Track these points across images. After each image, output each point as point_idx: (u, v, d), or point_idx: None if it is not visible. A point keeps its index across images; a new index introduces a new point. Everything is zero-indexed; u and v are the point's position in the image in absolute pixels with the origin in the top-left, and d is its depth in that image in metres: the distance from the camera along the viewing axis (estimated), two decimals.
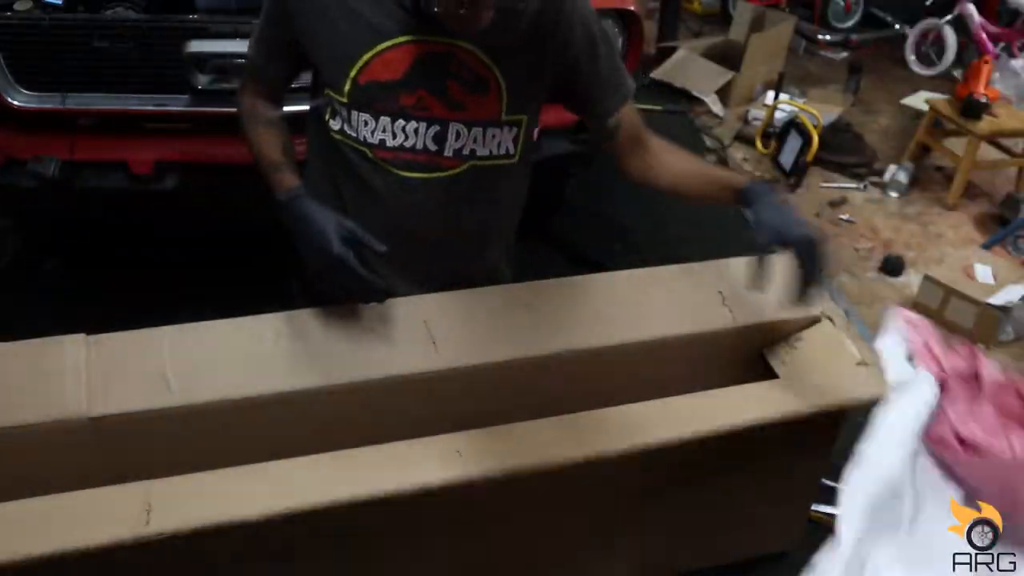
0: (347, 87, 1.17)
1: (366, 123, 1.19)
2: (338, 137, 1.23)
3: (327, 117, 1.23)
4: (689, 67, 4.76)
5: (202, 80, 2.02)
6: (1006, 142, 3.79)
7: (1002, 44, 5.01)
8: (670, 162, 1.34)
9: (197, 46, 1.98)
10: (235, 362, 1.15)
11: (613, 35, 2.29)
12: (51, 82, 2.04)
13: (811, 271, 1.11)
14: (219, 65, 2.00)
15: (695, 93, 4.61)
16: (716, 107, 4.57)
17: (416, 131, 1.20)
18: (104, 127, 2.15)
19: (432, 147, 1.21)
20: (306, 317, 1.22)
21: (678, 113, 4.51)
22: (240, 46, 1.99)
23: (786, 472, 1.38)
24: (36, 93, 2.06)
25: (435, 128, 1.20)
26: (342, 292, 1.16)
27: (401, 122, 1.19)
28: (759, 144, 4.16)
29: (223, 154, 2.11)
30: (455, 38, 1.15)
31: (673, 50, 4.90)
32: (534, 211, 3.54)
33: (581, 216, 3.27)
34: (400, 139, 1.20)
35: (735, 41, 4.84)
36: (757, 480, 1.35)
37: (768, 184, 1.30)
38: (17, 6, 2.01)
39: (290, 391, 1.13)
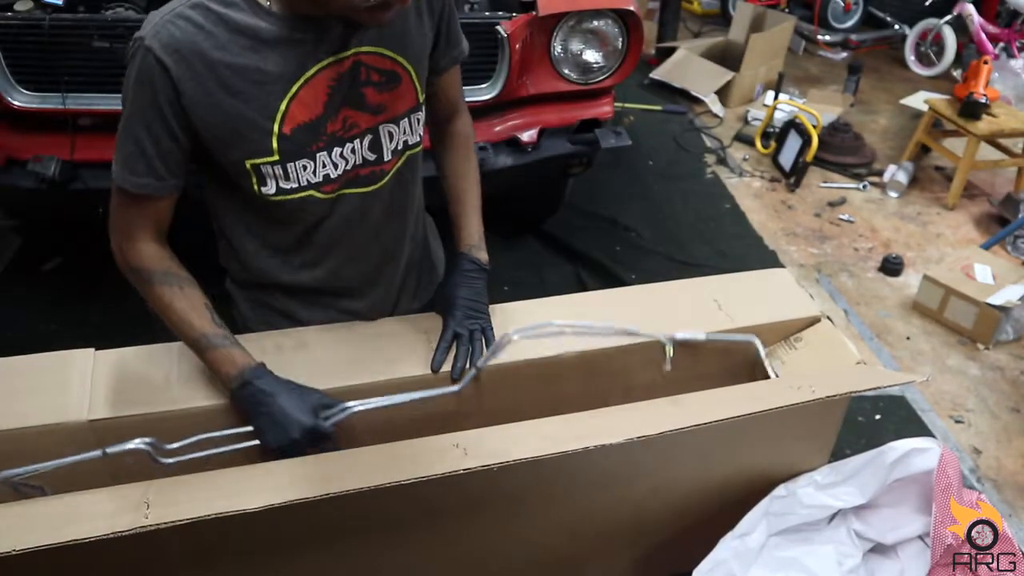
0: (275, 144, 1.10)
1: (304, 167, 1.14)
2: (277, 199, 1.15)
3: (255, 187, 1.13)
4: (689, 67, 4.76)
5: None
6: (1005, 142, 3.79)
7: (1001, 44, 5.02)
8: (449, 162, 1.39)
9: None
10: None
11: (613, 35, 2.29)
12: (51, 82, 2.04)
13: (461, 354, 1.23)
14: None
15: (695, 93, 4.61)
16: (716, 107, 4.57)
17: (353, 151, 1.17)
18: (104, 127, 2.15)
19: (371, 156, 1.19)
20: (306, 331, 1.24)
21: (678, 113, 4.51)
22: None
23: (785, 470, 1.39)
24: (36, 93, 2.07)
25: (368, 138, 1.18)
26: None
27: (337, 149, 1.15)
28: (759, 144, 4.17)
29: None
30: (348, 48, 1.10)
31: (673, 50, 4.90)
32: (534, 211, 3.55)
33: (581, 216, 3.27)
34: (342, 165, 1.17)
35: (735, 41, 4.84)
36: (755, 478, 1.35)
37: (475, 263, 1.32)
38: (17, 6, 2.01)
39: None
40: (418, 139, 1.25)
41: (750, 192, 3.76)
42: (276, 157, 1.11)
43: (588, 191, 3.35)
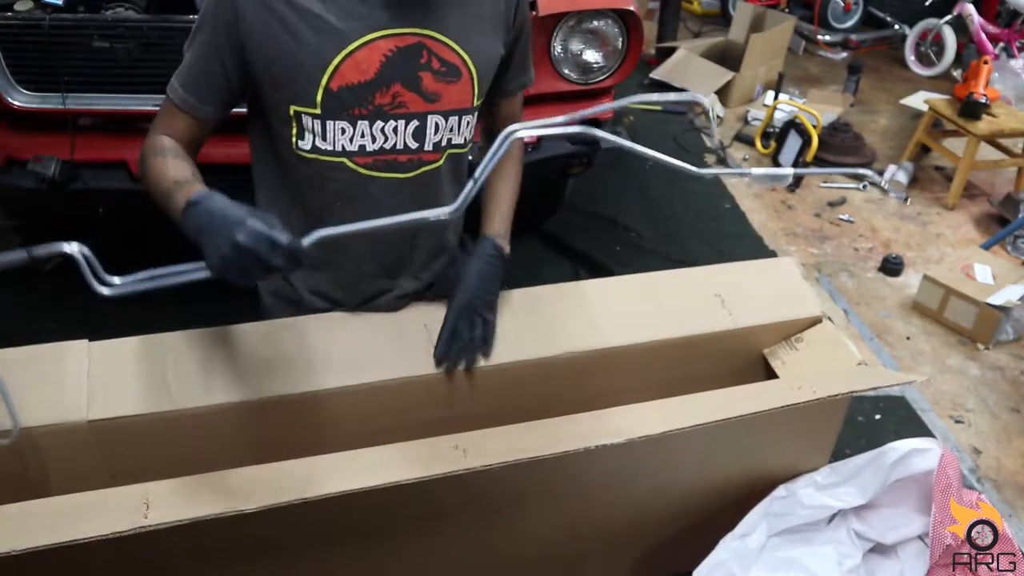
0: (319, 97, 1.11)
1: (343, 131, 1.14)
2: (310, 156, 1.17)
3: (293, 139, 1.16)
4: (689, 67, 4.76)
5: None
6: (1005, 142, 3.79)
7: (1001, 44, 5.02)
8: (496, 172, 1.31)
9: None
10: (237, 365, 1.15)
11: (613, 35, 2.29)
12: (51, 82, 2.04)
13: (459, 333, 1.21)
14: None
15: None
16: (716, 107, 4.57)
17: (395, 130, 1.17)
18: (104, 127, 2.15)
19: (412, 144, 1.19)
20: (305, 322, 1.23)
21: (678, 113, 4.51)
22: None
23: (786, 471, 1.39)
24: (36, 93, 2.07)
25: (414, 123, 1.17)
26: (262, 276, 1.00)
27: (379, 123, 1.15)
28: (759, 144, 4.17)
29: (223, 154, 2.11)
30: (422, 27, 1.12)
31: (673, 50, 4.90)
32: (534, 211, 3.56)
33: (581, 216, 3.27)
34: (380, 141, 1.17)
35: (735, 41, 4.84)
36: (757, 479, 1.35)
37: (498, 250, 1.30)
38: (17, 6, 2.01)
39: (289, 394, 1.13)
40: (462, 142, 1.24)
41: (750, 192, 3.76)
42: (317, 111, 1.12)
43: (588, 191, 3.35)
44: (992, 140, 3.68)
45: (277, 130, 1.18)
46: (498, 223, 1.34)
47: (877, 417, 2.35)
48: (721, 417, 1.14)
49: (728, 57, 4.76)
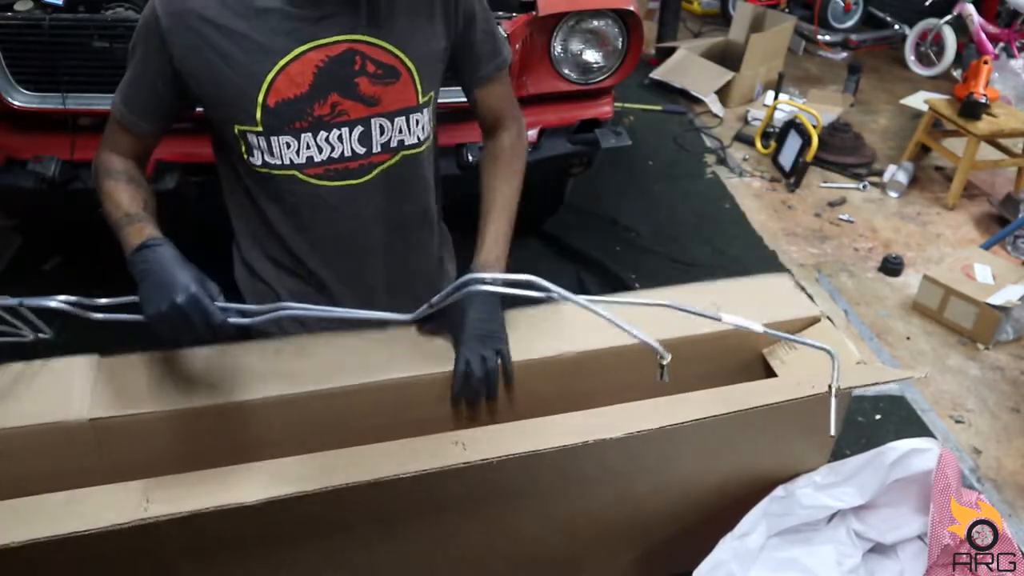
0: (259, 114, 1.12)
1: (288, 145, 1.15)
2: (262, 171, 1.17)
3: (245, 157, 1.17)
4: (689, 67, 4.76)
5: None
6: (1005, 142, 3.79)
7: (1001, 44, 5.02)
8: (488, 176, 1.34)
9: None
10: (240, 371, 1.15)
11: (613, 35, 2.29)
12: (51, 82, 2.04)
13: (472, 370, 1.18)
14: None
15: (695, 93, 4.61)
16: (716, 107, 4.57)
17: (340, 138, 1.16)
18: (104, 127, 2.15)
19: (360, 149, 1.19)
20: (308, 336, 1.24)
21: (678, 113, 4.51)
22: None
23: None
24: (36, 93, 2.06)
25: (358, 129, 1.17)
26: (187, 339, 1.05)
27: (323, 133, 1.15)
28: (759, 144, 4.17)
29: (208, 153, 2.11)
30: (351, 33, 1.12)
31: (673, 50, 4.90)
32: (534, 211, 3.56)
33: (581, 216, 3.27)
34: (327, 151, 1.17)
35: (735, 41, 4.84)
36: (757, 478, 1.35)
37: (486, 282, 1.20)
38: (17, 6, 2.01)
39: (292, 394, 1.14)
40: (417, 141, 1.23)
41: (750, 192, 3.76)
42: (260, 128, 1.13)
43: (588, 191, 3.35)
44: (992, 140, 3.68)
45: (228, 147, 1.19)
46: (488, 249, 1.29)
47: (877, 417, 2.35)
48: (719, 412, 1.14)
49: (728, 57, 4.76)
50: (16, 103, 2.05)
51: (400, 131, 1.20)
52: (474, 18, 1.23)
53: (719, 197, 3.68)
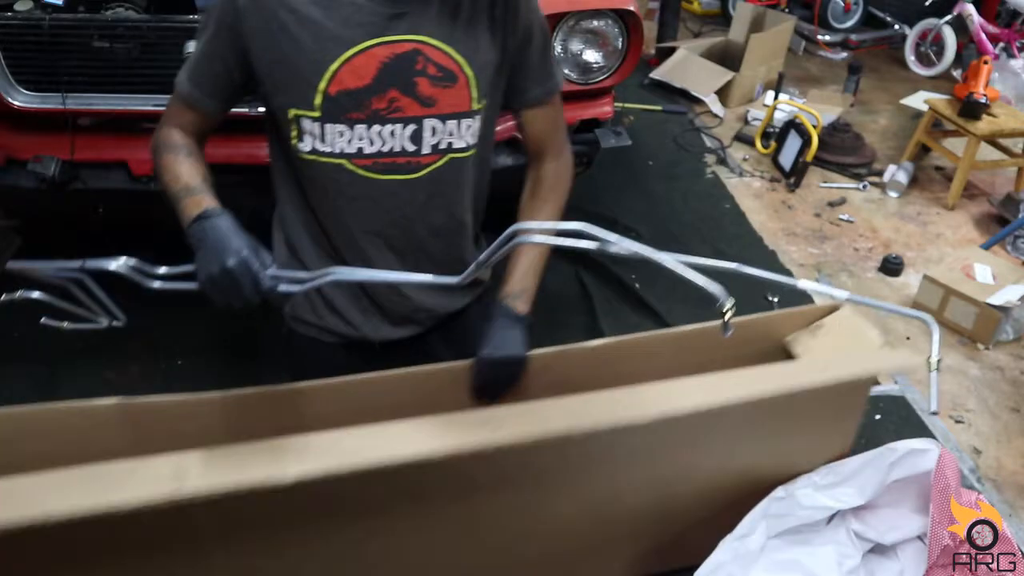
0: (318, 101, 1.14)
1: (341, 134, 1.17)
2: (310, 158, 1.20)
3: (295, 142, 1.19)
4: (689, 67, 4.76)
5: None
6: (1005, 142, 3.79)
7: (1001, 44, 5.02)
8: (523, 205, 1.37)
9: None
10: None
11: (613, 35, 2.29)
12: (51, 82, 2.04)
13: (490, 388, 1.24)
14: None
15: (695, 93, 4.61)
16: (716, 107, 4.57)
17: (392, 133, 1.19)
18: (104, 127, 2.15)
19: (410, 147, 1.21)
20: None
21: (678, 113, 4.51)
22: None
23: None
24: (36, 93, 2.06)
25: (411, 127, 1.19)
26: (236, 304, 1.06)
27: (377, 127, 1.17)
28: (759, 144, 4.17)
29: (223, 154, 2.11)
30: (418, 34, 1.15)
31: (673, 50, 4.90)
32: None
33: (581, 216, 3.26)
34: (377, 144, 1.19)
35: (735, 41, 4.84)
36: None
37: (506, 317, 1.26)
38: (17, 6, 2.01)
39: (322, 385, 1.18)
40: (465, 145, 1.24)
41: (750, 192, 3.76)
42: (317, 114, 1.16)
43: (588, 191, 3.35)
44: (992, 140, 3.68)
45: (280, 131, 1.22)
46: (512, 283, 1.29)
47: (877, 417, 2.35)
48: (746, 396, 1.15)
49: (728, 57, 4.76)
50: (16, 103, 2.05)
51: (451, 134, 1.22)
52: (531, 38, 1.24)
53: (719, 197, 3.67)
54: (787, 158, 3.91)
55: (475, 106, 1.22)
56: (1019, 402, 2.48)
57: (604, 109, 2.43)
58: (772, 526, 1.41)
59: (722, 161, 4.04)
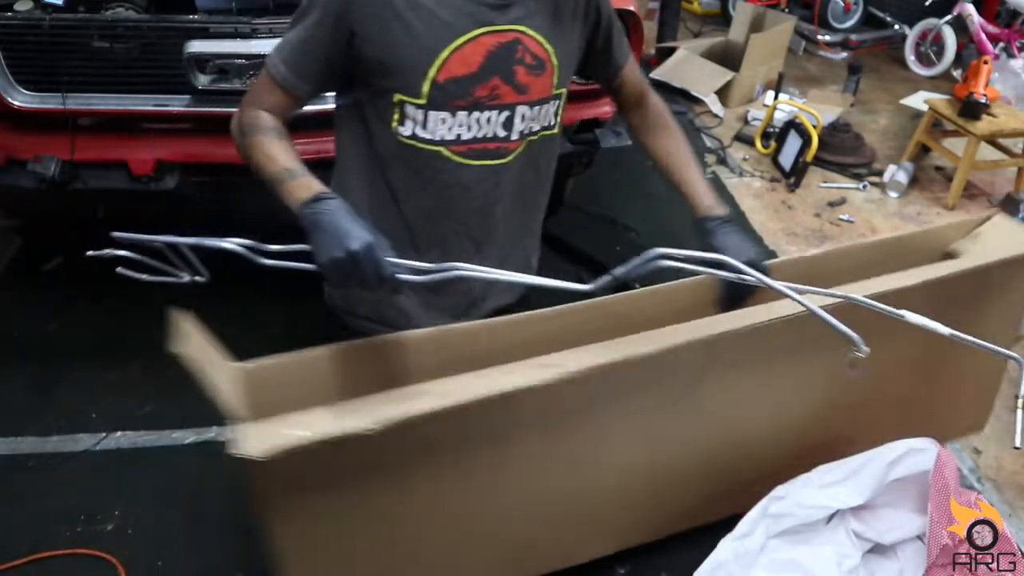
0: (426, 88, 1.17)
1: (443, 121, 1.21)
2: (409, 143, 1.23)
3: (395, 125, 1.22)
4: (689, 67, 4.76)
5: (202, 80, 2.02)
6: (1005, 142, 3.79)
7: (1001, 44, 5.02)
8: (659, 141, 1.46)
9: (197, 46, 1.98)
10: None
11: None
12: (51, 82, 2.04)
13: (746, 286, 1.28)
14: (219, 65, 2.01)
15: (695, 93, 4.61)
16: (716, 107, 4.57)
17: (489, 120, 1.23)
18: (104, 127, 2.15)
19: (501, 133, 1.26)
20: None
21: (678, 113, 4.51)
22: (240, 46, 1.99)
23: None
24: (36, 93, 2.07)
25: (505, 114, 1.24)
26: (354, 287, 1.10)
27: (476, 114, 1.22)
28: (759, 144, 4.17)
29: (223, 154, 2.11)
30: (519, 24, 1.20)
31: (673, 50, 4.90)
32: None
33: (581, 216, 3.27)
34: (474, 131, 1.23)
35: (735, 41, 4.84)
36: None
37: (719, 220, 1.37)
38: (17, 6, 2.02)
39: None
40: (541, 128, 1.31)
41: (750, 192, 3.76)
42: (423, 101, 1.18)
43: (588, 191, 3.35)
44: (992, 140, 3.68)
45: (377, 114, 1.23)
46: (700, 199, 1.39)
47: None
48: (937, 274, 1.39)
49: (728, 57, 4.76)
50: (16, 103, 2.05)
51: (534, 119, 1.28)
52: (612, 23, 1.34)
53: (719, 197, 3.67)
54: (787, 158, 3.91)
55: (555, 91, 1.28)
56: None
57: (604, 109, 2.43)
58: (772, 526, 1.41)
59: (722, 161, 4.04)
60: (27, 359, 2.38)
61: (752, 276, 1.13)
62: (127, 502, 1.93)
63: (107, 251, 1.17)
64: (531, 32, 1.22)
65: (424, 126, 1.21)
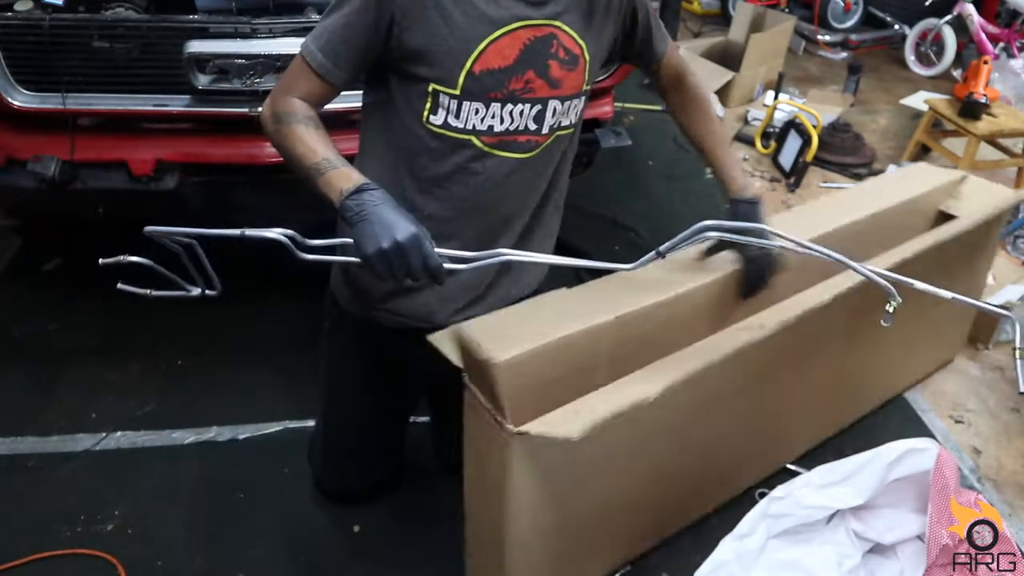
0: (461, 79, 1.18)
1: (476, 111, 1.21)
2: (439, 131, 1.23)
3: (427, 114, 1.22)
4: None
5: (202, 80, 2.02)
6: (1005, 142, 3.79)
7: (1001, 44, 5.01)
8: (694, 123, 1.54)
9: (197, 46, 1.98)
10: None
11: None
12: (51, 82, 2.04)
13: (754, 281, 1.48)
14: (219, 66, 2.00)
15: None
16: (716, 107, 4.57)
17: (521, 113, 1.24)
18: (104, 127, 2.15)
19: (532, 126, 1.27)
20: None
21: None
22: (240, 46, 1.99)
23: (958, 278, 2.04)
24: (36, 93, 2.06)
25: (537, 108, 1.25)
26: (401, 278, 1.12)
27: (509, 106, 1.22)
28: (759, 144, 4.16)
29: (223, 154, 2.11)
30: (554, 19, 1.21)
31: None
32: None
33: (581, 216, 3.27)
34: (507, 123, 1.24)
35: (735, 41, 4.84)
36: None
37: (753, 203, 1.50)
38: (17, 6, 2.01)
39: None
40: (568, 123, 1.33)
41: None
42: (457, 92, 1.19)
43: (588, 191, 3.35)
44: (992, 140, 3.68)
45: (408, 102, 1.23)
46: (733, 180, 1.52)
47: (877, 417, 2.35)
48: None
49: (728, 57, 4.76)
50: (16, 103, 2.05)
51: (564, 114, 1.30)
52: (645, 7, 1.36)
53: (719, 197, 3.64)
54: (787, 158, 3.91)
55: (584, 87, 1.30)
56: (1019, 402, 2.48)
57: (604, 109, 2.43)
58: (772, 526, 1.41)
59: None
60: (27, 359, 2.38)
61: (796, 242, 1.22)
62: (127, 502, 1.93)
63: (118, 258, 1.17)
64: (565, 28, 1.23)
65: (457, 115, 1.21)
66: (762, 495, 1.50)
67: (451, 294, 1.40)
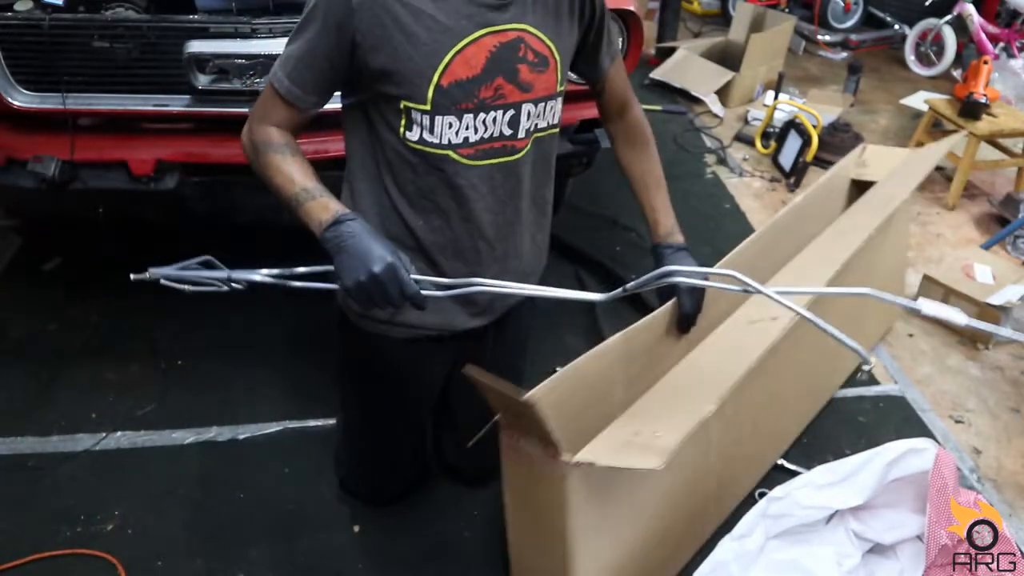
0: (430, 93, 1.17)
1: (450, 125, 1.21)
2: (416, 147, 1.23)
3: (402, 131, 1.22)
4: (689, 67, 4.76)
5: (202, 80, 2.02)
6: (1005, 142, 3.79)
7: (1001, 44, 5.01)
8: (634, 159, 1.51)
9: (197, 46, 1.98)
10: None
11: (614, 34, 2.29)
12: (51, 82, 2.04)
13: (692, 315, 1.46)
14: (219, 66, 2.00)
15: (695, 93, 4.61)
16: (716, 107, 4.57)
17: (495, 120, 1.23)
18: (104, 127, 2.15)
19: (507, 132, 1.26)
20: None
21: (678, 113, 4.51)
22: (240, 46, 1.99)
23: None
24: (36, 93, 2.06)
25: (510, 113, 1.24)
26: (383, 307, 1.15)
27: (482, 115, 1.22)
28: (759, 144, 4.17)
29: (223, 154, 2.11)
30: (519, 23, 1.20)
31: (673, 50, 4.90)
32: None
33: (581, 216, 3.27)
34: (481, 132, 1.23)
35: (735, 41, 4.84)
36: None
37: (674, 248, 1.49)
38: (17, 6, 2.01)
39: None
40: (546, 125, 1.32)
41: (750, 192, 3.76)
42: (428, 107, 1.18)
43: (588, 191, 3.35)
44: (992, 140, 3.68)
45: (383, 119, 1.23)
46: (662, 224, 1.48)
47: (877, 417, 2.35)
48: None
49: (728, 57, 4.76)
50: (16, 103, 2.05)
51: (540, 116, 1.29)
52: (604, 13, 1.34)
53: (719, 197, 3.67)
54: (787, 158, 3.91)
55: (559, 88, 1.29)
56: (1019, 402, 2.48)
57: None
58: (771, 526, 1.41)
59: (722, 161, 4.04)
60: (27, 359, 2.38)
61: (755, 287, 1.21)
62: (127, 502, 1.93)
63: (149, 273, 1.20)
64: (532, 29, 1.22)
65: (431, 131, 1.21)
66: (761, 495, 1.51)
67: (457, 299, 1.41)
